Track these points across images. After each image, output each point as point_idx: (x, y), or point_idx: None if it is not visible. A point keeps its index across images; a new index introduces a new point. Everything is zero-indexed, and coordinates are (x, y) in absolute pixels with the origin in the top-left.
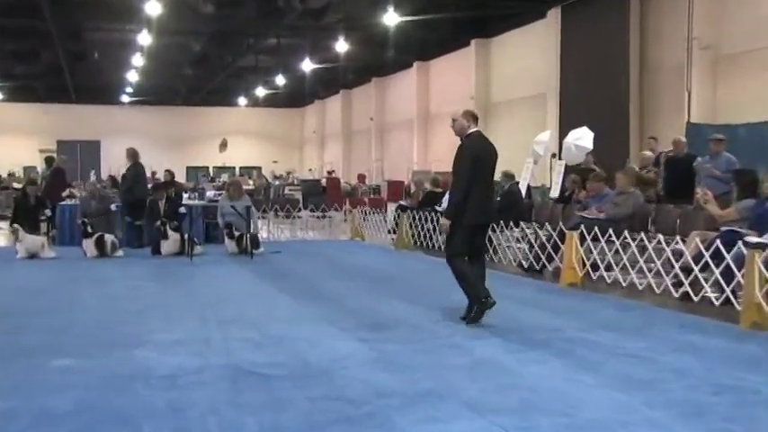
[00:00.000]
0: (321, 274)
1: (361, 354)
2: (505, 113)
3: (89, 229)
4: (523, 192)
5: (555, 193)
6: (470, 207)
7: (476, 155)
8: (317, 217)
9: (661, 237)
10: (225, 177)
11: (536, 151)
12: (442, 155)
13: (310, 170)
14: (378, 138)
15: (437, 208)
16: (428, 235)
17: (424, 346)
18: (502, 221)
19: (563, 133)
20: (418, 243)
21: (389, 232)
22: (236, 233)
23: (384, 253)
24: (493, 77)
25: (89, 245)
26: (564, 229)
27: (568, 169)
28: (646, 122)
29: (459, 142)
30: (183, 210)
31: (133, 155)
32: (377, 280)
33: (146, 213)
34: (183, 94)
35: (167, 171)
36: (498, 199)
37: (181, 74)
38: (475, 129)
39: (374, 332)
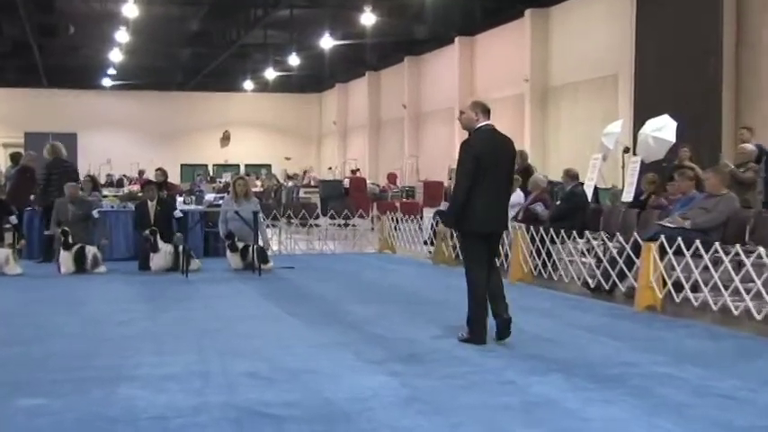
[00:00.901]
0: (343, 295)
1: (390, 391)
2: (567, 99)
3: (69, 240)
4: (589, 194)
5: (628, 196)
6: (476, 214)
7: (479, 153)
8: (339, 225)
9: (762, 250)
10: (227, 177)
11: (605, 145)
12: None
13: (330, 169)
14: (412, 129)
15: None
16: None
17: (467, 382)
18: (563, 231)
19: (638, 123)
20: (461, 257)
21: (426, 243)
22: (241, 244)
23: (419, 269)
24: (552, 56)
25: (66, 258)
26: (639, 240)
27: (645, 167)
28: (742, 110)
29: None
30: (179, 213)
31: (55, 150)
32: (411, 302)
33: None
34: (177, 77)
35: (159, 170)
36: (558, 203)
37: (174, 53)
38: (485, 123)
39: (407, 365)
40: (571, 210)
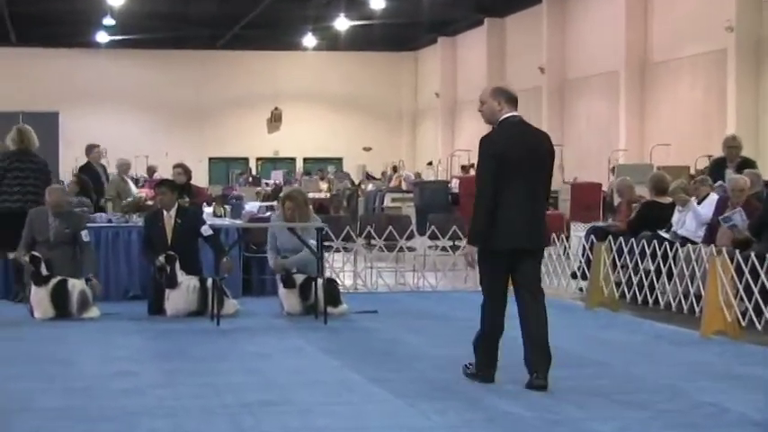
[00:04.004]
0: (452, 354)
1: None
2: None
3: (42, 271)
4: None
5: None
6: (499, 226)
7: (499, 153)
8: (443, 249)
9: None
10: (278, 177)
11: None
12: (664, 134)
13: (430, 165)
14: (553, 105)
15: (662, 233)
16: (646, 282)
17: None
18: None
19: None
20: (628, 297)
21: (575, 277)
22: (300, 278)
23: (565, 315)
24: None
25: (40, 297)
26: None
27: None
28: None
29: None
30: (208, 230)
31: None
32: (556, 365)
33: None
34: (203, 29)
35: (179, 167)
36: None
37: None
38: (510, 114)
39: None
40: None
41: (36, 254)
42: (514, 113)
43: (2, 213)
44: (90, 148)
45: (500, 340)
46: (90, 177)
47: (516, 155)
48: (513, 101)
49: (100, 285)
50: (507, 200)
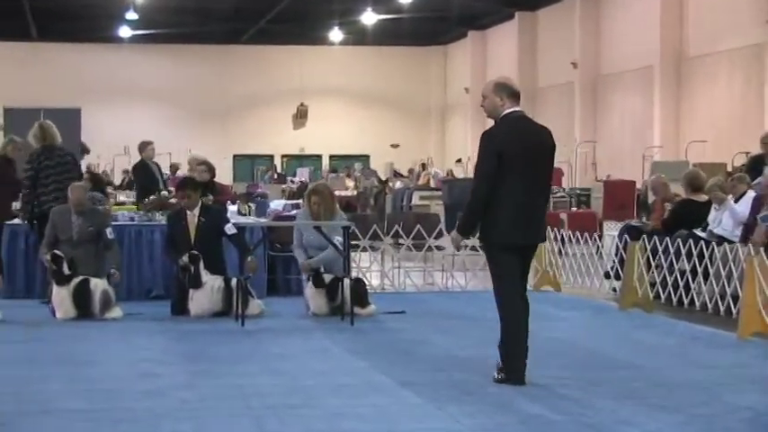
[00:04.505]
0: (481, 355)
1: None
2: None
3: (64, 270)
4: None
5: None
6: (500, 220)
7: (501, 147)
8: (473, 248)
9: None
10: (303, 175)
11: None
12: (700, 130)
13: (460, 162)
14: (586, 99)
15: (697, 232)
16: (681, 282)
17: None
18: None
19: None
20: (663, 297)
21: (608, 277)
22: (328, 277)
23: (598, 316)
24: None
25: (62, 298)
26: None
27: None
28: None
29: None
30: (232, 228)
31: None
32: (585, 366)
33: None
34: (228, 24)
35: (203, 164)
36: None
37: None
38: (512, 109)
39: None
40: None
41: (58, 253)
42: (516, 109)
43: (46, 215)
44: (144, 145)
45: (527, 330)
46: (144, 175)
47: (517, 150)
48: (515, 96)
49: (120, 275)
50: (507, 195)
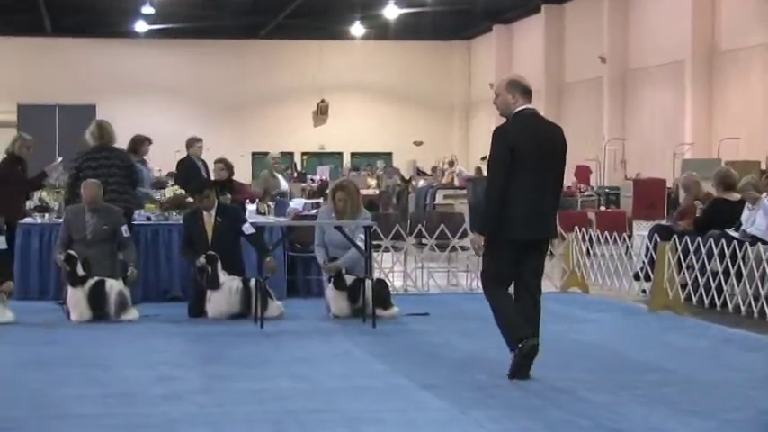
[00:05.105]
0: (506, 359)
1: None
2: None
3: (79, 271)
4: None
5: None
6: (513, 216)
7: (512, 145)
8: None
9: None
10: (324, 173)
11: None
12: (733, 127)
13: (484, 159)
14: (615, 94)
15: (730, 233)
16: (713, 283)
17: None
18: None
19: None
20: (694, 299)
21: (638, 278)
22: (350, 279)
23: (627, 318)
24: None
25: (77, 299)
26: None
27: None
28: None
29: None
30: (250, 228)
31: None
32: (612, 369)
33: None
34: (246, 18)
35: (221, 162)
36: None
37: None
38: (524, 107)
39: None
40: None
41: (72, 253)
42: (528, 106)
43: None
44: (191, 142)
45: (518, 313)
46: (189, 172)
47: (528, 147)
48: (527, 94)
49: (137, 273)
50: (518, 192)
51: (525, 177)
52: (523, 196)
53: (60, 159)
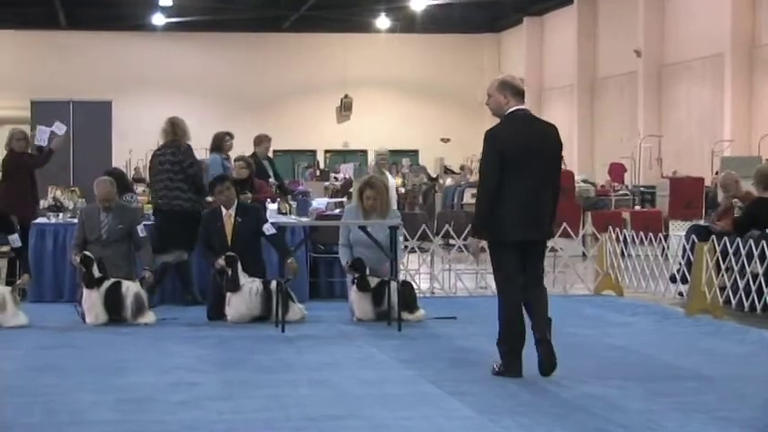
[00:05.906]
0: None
1: None
2: None
3: (94, 272)
4: None
5: None
6: (505, 218)
7: (503, 146)
8: None
9: None
10: (347, 171)
11: None
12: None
13: None
14: (651, 90)
15: None
16: (753, 286)
17: None
18: None
19: None
20: (733, 302)
21: (675, 281)
22: (374, 281)
23: (664, 322)
24: None
25: (93, 301)
26: None
27: None
28: None
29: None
30: (270, 228)
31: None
32: (649, 378)
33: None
34: (267, 11)
35: (241, 161)
36: None
37: None
38: (516, 107)
39: None
40: None
41: (88, 254)
42: (521, 107)
43: (164, 213)
44: (259, 140)
45: (524, 329)
46: (256, 171)
47: (520, 148)
48: (519, 94)
49: (151, 277)
50: (509, 194)
51: (516, 179)
52: (515, 198)
53: (64, 129)
